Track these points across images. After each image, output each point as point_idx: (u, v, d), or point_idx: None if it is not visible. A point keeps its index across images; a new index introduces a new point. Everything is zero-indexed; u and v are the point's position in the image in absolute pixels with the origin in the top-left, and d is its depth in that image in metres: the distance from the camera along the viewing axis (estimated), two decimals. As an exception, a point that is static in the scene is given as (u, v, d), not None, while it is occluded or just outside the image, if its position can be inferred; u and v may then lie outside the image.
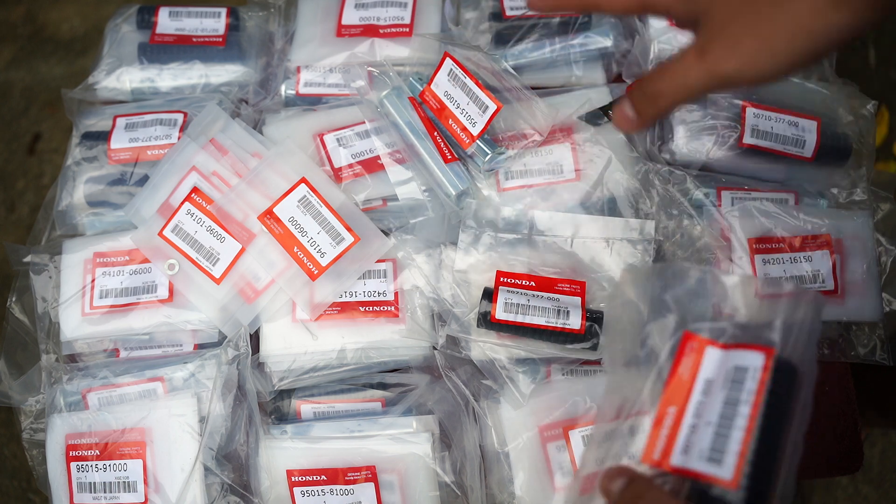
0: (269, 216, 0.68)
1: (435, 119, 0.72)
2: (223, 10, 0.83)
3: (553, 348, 0.65)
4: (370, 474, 0.63)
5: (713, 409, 0.36)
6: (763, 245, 0.68)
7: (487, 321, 0.64)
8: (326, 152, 0.72)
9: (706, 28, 0.37)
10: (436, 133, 0.71)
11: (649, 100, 0.39)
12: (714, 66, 0.37)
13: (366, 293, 0.68)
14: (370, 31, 0.78)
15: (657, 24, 0.78)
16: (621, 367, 0.41)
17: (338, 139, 0.72)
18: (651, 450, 0.38)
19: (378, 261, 0.69)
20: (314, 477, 0.63)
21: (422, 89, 0.72)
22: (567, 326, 0.63)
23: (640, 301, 0.40)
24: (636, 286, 0.40)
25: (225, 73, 0.80)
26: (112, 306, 0.68)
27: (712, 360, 0.38)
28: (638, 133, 0.74)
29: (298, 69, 0.79)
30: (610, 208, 0.70)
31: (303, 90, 0.78)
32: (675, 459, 0.37)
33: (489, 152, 0.70)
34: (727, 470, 0.35)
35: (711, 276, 0.40)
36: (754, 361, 0.36)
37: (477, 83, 0.69)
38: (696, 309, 0.40)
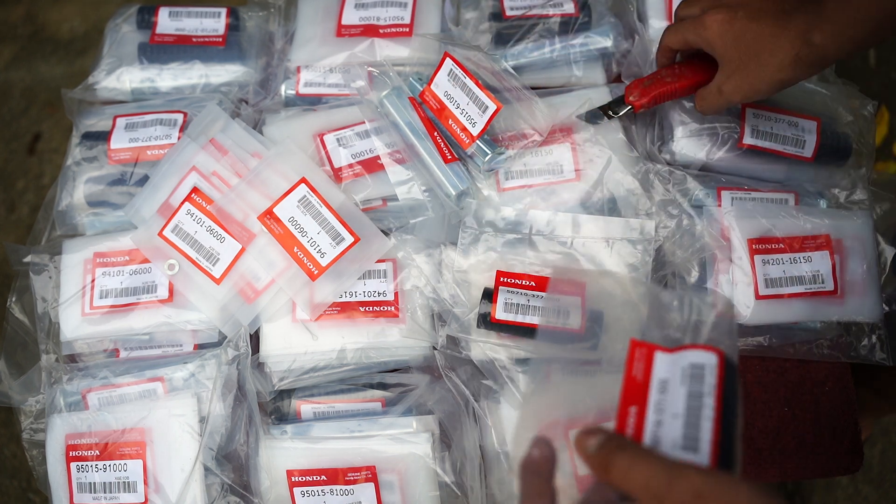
0: (269, 216, 0.68)
1: (435, 119, 0.72)
2: (223, 10, 0.83)
3: (553, 348, 0.65)
4: (370, 474, 0.63)
5: (677, 403, 0.38)
6: (763, 245, 0.68)
7: (487, 321, 0.64)
8: (326, 152, 0.72)
9: (722, 71, 0.62)
10: (436, 133, 0.71)
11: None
12: (728, 97, 0.63)
13: (366, 293, 0.68)
14: (370, 31, 0.78)
15: (657, 25, 0.78)
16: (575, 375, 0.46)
17: (338, 139, 0.72)
18: None
19: (378, 261, 0.69)
20: (314, 477, 0.63)
21: (422, 89, 0.72)
22: (567, 326, 0.63)
23: (641, 302, 0.42)
24: (636, 286, 0.42)
25: (225, 73, 0.80)
26: (112, 306, 0.68)
27: (662, 363, 0.41)
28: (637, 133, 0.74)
29: (298, 69, 0.79)
30: (610, 208, 0.70)
31: (303, 90, 0.78)
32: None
33: (489, 152, 0.70)
34: (703, 456, 0.36)
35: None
36: (710, 359, 0.39)
37: (477, 83, 0.69)
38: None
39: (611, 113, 0.71)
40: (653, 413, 0.40)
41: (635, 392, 0.42)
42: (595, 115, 0.72)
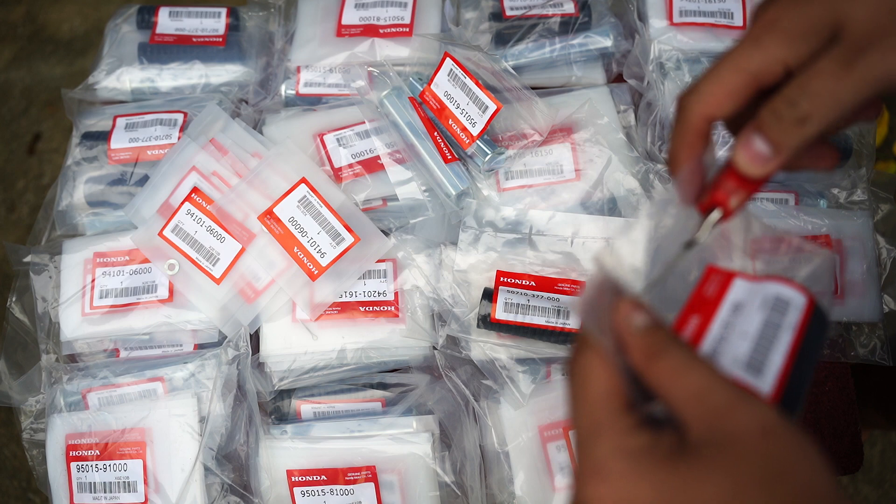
0: (269, 216, 0.68)
1: (435, 119, 0.72)
2: (223, 10, 0.83)
3: (553, 348, 0.65)
4: (370, 474, 0.63)
5: (750, 324, 0.33)
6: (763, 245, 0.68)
7: (487, 321, 0.64)
8: (326, 152, 0.72)
9: (851, 37, 0.33)
10: (436, 133, 0.71)
11: (792, 127, 0.33)
12: (872, 71, 0.33)
13: (366, 293, 0.68)
14: (370, 31, 0.78)
15: (657, 25, 0.78)
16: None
17: (338, 139, 0.72)
18: None
19: (378, 261, 0.69)
20: (314, 477, 0.63)
21: (422, 89, 0.72)
22: (567, 326, 0.63)
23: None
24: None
25: (225, 73, 0.80)
26: (112, 306, 0.68)
27: (741, 287, 0.35)
28: (641, 136, 0.74)
29: (298, 69, 0.79)
30: (610, 208, 0.70)
31: (303, 90, 0.78)
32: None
33: (489, 152, 0.70)
34: (767, 382, 0.31)
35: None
36: (797, 298, 0.34)
37: (477, 83, 0.69)
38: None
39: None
40: (718, 327, 0.33)
41: (702, 305, 0.35)
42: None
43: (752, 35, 0.35)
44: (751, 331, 0.33)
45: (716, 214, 0.36)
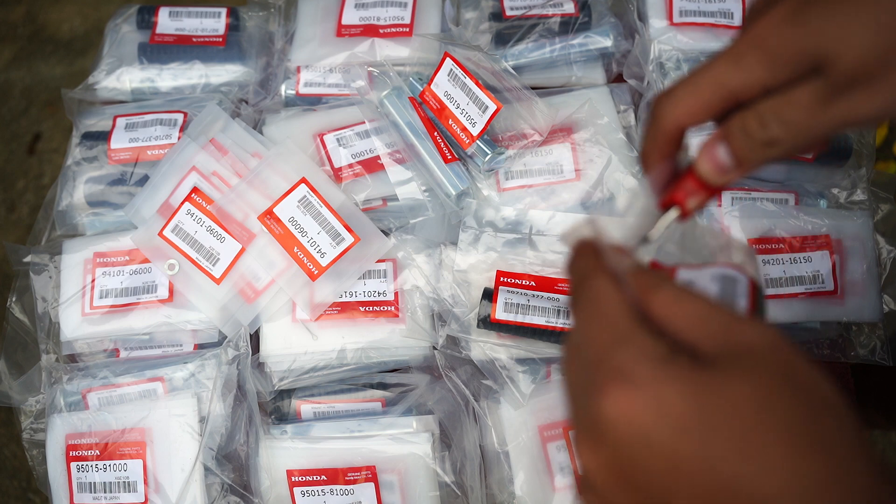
0: (269, 216, 0.68)
1: (435, 119, 0.72)
2: (223, 10, 0.83)
3: (553, 348, 0.65)
4: (370, 474, 0.63)
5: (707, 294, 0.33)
6: (763, 245, 0.68)
7: (487, 321, 0.64)
8: (326, 152, 0.72)
9: (835, 75, 0.33)
10: (436, 133, 0.71)
11: (759, 147, 0.34)
12: (849, 112, 0.33)
13: (366, 293, 0.68)
14: (370, 31, 0.78)
15: (657, 25, 0.77)
16: None
17: (338, 139, 0.72)
18: None
19: (378, 261, 0.69)
20: (314, 477, 0.63)
21: (422, 89, 0.72)
22: (567, 326, 0.63)
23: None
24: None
25: (225, 73, 0.80)
26: (112, 306, 0.68)
27: (686, 274, 0.36)
28: (635, 136, 0.74)
29: (298, 69, 0.79)
30: (610, 208, 0.70)
31: (303, 90, 0.78)
32: None
33: (489, 152, 0.70)
34: None
35: None
36: (740, 277, 0.35)
37: (477, 83, 0.69)
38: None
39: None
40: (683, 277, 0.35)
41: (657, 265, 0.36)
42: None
43: (736, 50, 0.34)
44: (712, 294, 0.34)
45: (672, 213, 0.37)
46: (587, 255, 0.32)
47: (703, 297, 0.29)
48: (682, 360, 0.27)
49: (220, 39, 0.81)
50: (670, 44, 0.75)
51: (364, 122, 0.73)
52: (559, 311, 0.64)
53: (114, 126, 0.75)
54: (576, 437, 0.29)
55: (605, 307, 0.29)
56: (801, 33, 0.33)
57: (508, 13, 0.78)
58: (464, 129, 0.70)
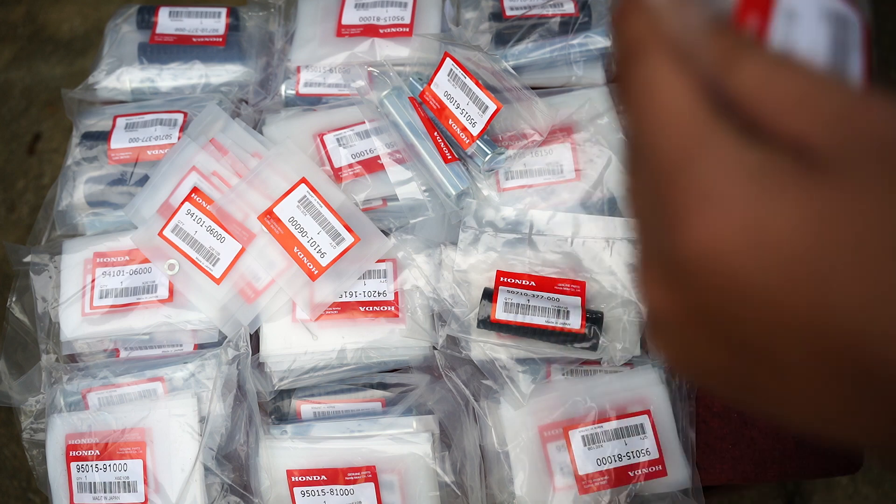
0: (269, 216, 0.68)
1: (435, 119, 0.72)
2: (223, 10, 0.83)
3: (553, 348, 0.65)
4: (370, 474, 0.63)
5: (817, 38, 0.25)
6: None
7: (487, 321, 0.64)
8: (326, 152, 0.72)
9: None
10: (436, 133, 0.71)
11: None
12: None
13: (366, 293, 0.68)
14: (370, 31, 0.78)
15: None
16: None
17: (338, 139, 0.72)
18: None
19: (378, 261, 0.69)
20: (314, 477, 0.63)
21: (422, 89, 0.72)
22: (567, 326, 0.63)
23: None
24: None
25: (225, 73, 0.80)
26: (112, 306, 0.68)
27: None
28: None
29: (298, 69, 0.79)
30: (610, 208, 0.70)
31: (303, 90, 0.78)
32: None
33: (489, 152, 0.70)
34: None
35: None
36: (853, 17, 0.26)
37: (477, 83, 0.69)
38: None
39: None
40: (783, 23, 0.24)
41: (752, 5, 0.25)
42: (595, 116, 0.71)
43: None
44: (820, 47, 0.25)
45: None
46: (635, 17, 0.23)
47: (806, 69, 0.21)
48: (784, 164, 0.20)
49: (220, 39, 0.81)
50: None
51: (364, 122, 0.73)
52: (559, 311, 0.64)
53: (114, 126, 0.75)
54: (643, 271, 0.22)
55: (672, 103, 0.21)
56: None
57: (508, 13, 0.78)
58: (464, 129, 0.70)
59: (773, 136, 0.20)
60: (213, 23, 0.82)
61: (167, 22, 0.82)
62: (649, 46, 0.22)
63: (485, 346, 0.66)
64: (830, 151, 0.19)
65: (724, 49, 0.21)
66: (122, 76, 0.80)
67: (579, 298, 0.65)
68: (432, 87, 0.72)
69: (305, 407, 0.67)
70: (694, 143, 0.21)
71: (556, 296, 0.65)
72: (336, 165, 0.71)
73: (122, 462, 0.64)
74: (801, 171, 0.19)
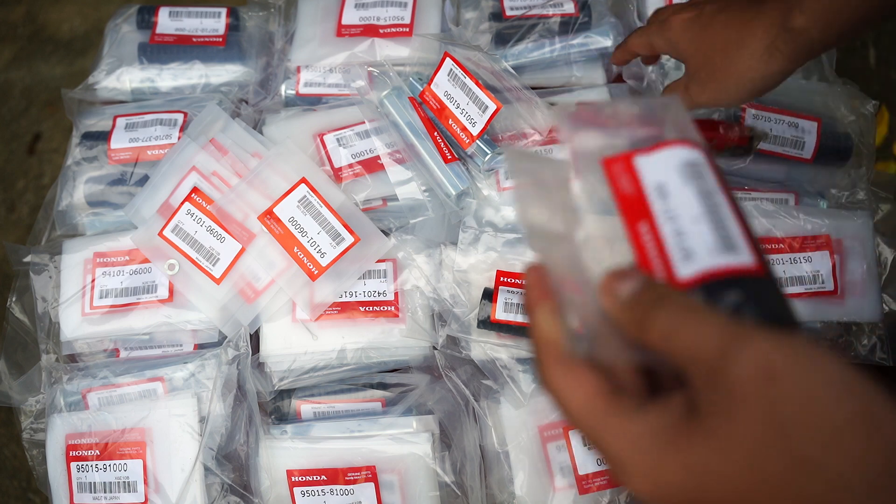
0: (269, 216, 0.68)
1: (435, 119, 0.72)
2: (223, 10, 0.83)
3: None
4: (370, 474, 0.63)
5: (689, 204, 0.30)
6: (763, 245, 0.68)
7: (487, 321, 0.64)
8: (326, 152, 0.72)
9: (687, 71, 0.56)
10: (436, 133, 0.71)
11: None
12: (695, 98, 0.56)
13: (366, 293, 0.68)
14: (370, 31, 0.78)
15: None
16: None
17: (338, 139, 0.72)
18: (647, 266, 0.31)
19: (378, 261, 0.69)
20: (314, 477, 0.63)
21: (422, 89, 0.72)
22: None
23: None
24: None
25: (225, 73, 0.80)
26: (112, 306, 0.68)
27: (646, 166, 0.32)
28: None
29: (298, 69, 0.79)
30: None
31: (303, 90, 0.78)
32: (684, 270, 0.29)
33: (489, 152, 0.70)
34: (746, 254, 0.29)
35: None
36: (696, 155, 0.31)
37: (477, 83, 0.69)
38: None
39: None
40: (668, 226, 0.31)
41: (633, 208, 0.33)
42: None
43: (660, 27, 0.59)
44: (695, 210, 0.30)
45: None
46: (531, 285, 0.31)
47: (695, 313, 0.26)
48: (672, 421, 0.26)
49: (220, 39, 0.81)
50: (670, 44, 0.75)
51: (364, 122, 0.73)
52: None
53: (114, 126, 0.75)
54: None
55: (575, 403, 0.28)
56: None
57: (508, 13, 0.78)
58: (464, 129, 0.70)
59: (671, 388, 0.27)
60: (213, 23, 0.82)
61: (167, 22, 0.82)
62: (551, 355, 0.29)
63: (485, 346, 0.66)
64: (706, 398, 0.25)
65: (643, 306, 0.28)
66: (122, 76, 0.80)
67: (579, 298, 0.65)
68: (432, 87, 0.71)
69: (305, 407, 0.67)
70: (599, 426, 0.27)
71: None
72: (336, 165, 0.71)
73: (122, 462, 0.64)
74: (687, 424, 0.25)
